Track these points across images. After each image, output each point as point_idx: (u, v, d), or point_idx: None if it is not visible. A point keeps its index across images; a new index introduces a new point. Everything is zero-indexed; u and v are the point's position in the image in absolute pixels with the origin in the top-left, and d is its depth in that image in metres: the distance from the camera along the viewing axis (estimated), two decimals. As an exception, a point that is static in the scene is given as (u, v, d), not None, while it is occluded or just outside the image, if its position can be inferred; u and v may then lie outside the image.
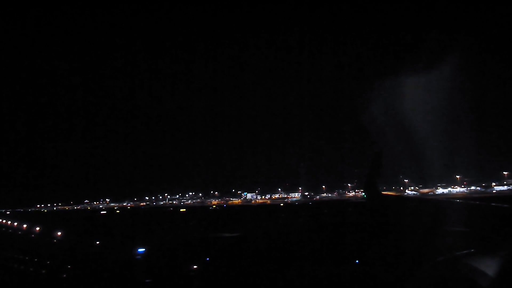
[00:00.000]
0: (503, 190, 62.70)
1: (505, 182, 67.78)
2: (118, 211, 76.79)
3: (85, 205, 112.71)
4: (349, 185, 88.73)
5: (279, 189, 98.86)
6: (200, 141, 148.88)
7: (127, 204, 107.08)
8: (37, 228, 29.45)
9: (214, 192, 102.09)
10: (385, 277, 7.27)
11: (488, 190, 63.92)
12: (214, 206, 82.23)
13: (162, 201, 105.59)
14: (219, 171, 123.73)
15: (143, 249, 15.77)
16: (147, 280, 11.54)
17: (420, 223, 4.22)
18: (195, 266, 12.30)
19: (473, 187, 68.24)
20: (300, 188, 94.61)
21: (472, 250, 3.04)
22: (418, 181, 76.42)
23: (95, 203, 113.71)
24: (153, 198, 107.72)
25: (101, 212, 72.15)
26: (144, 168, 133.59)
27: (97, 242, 19.29)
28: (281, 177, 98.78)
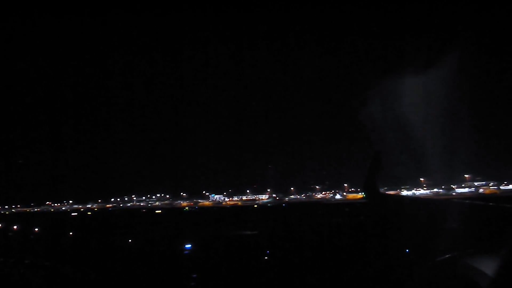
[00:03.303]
0: (464, 192, 66.72)
1: (463, 185, 72.46)
2: (90, 213, 75.10)
3: (47, 207, 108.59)
4: (317, 187, 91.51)
5: (248, 191, 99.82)
6: (166, 141, 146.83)
7: (92, 205, 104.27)
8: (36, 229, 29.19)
9: (182, 194, 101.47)
10: (384, 277, 7.65)
11: (450, 192, 68.26)
12: (187, 208, 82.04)
13: (128, 202, 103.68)
14: (186, 172, 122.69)
15: (189, 245, 16.64)
16: (194, 275, 12.17)
17: (420, 223, 4.13)
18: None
19: (435, 189, 72.13)
20: (268, 190, 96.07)
21: (472, 250, 3.01)
22: (383, 183, 79.88)
23: (57, 204, 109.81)
24: (119, 199, 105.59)
25: (72, 214, 70.33)
26: (107, 169, 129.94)
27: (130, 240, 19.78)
28: (248, 178, 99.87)
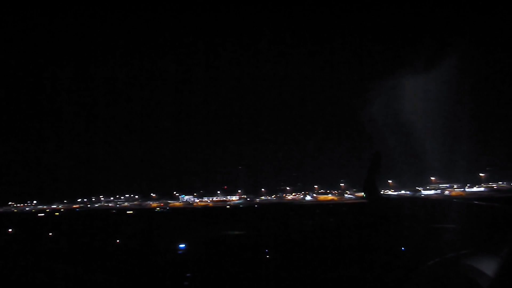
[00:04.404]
0: (430, 194, 69.12)
1: (428, 187, 75.12)
2: (57, 214, 73.05)
3: (10, 207, 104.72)
4: (287, 188, 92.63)
5: (218, 192, 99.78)
6: (134, 141, 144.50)
7: (57, 206, 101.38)
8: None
9: (152, 194, 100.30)
10: (384, 277, 7.81)
11: (416, 194, 70.60)
12: (158, 209, 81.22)
13: (96, 203, 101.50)
14: (155, 173, 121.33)
15: (184, 245, 16.78)
16: (188, 275, 12.12)
17: (420, 222, 4.09)
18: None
19: (402, 191, 74.44)
20: (239, 191, 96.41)
21: (472, 250, 3.00)
22: (354, 186, 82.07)
23: (20, 205, 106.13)
24: (86, 200, 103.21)
25: (39, 215, 68.30)
26: (73, 169, 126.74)
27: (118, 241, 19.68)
28: (218, 180, 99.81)
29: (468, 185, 62.99)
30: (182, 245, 16.65)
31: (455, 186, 66.09)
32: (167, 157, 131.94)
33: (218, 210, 64.84)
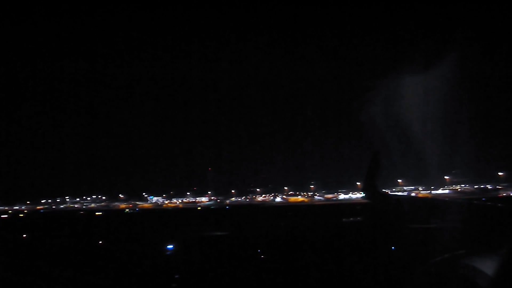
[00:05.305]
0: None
1: (394, 189, 77.34)
2: (21, 215, 70.51)
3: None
4: (257, 189, 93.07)
5: (188, 193, 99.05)
6: (102, 141, 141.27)
7: (20, 207, 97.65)
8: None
9: (119, 195, 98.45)
10: (383, 277, 7.71)
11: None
12: (127, 210, 79.77)
13: (62, 204, 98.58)
14: (123, 173, 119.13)
15: (171, 246, 16.77)
16: (176, 276, 12.08)
17: (420, 221, 4.26)
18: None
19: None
20: (208, 192, 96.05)
21: (472, 250, 3.01)
22: (322, 187, 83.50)
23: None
24: (50, 201, 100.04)
25: (2, 216, 65.60)
26: (36, 169, 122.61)
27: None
28: (188, 180, 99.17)
29: (432, 187, 64.99)
30: (170, 246, 16.63)
31: (420, 189, 68.20)
32: (135, 157, 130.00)
33: (192, 211, 64.27)
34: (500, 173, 60.47)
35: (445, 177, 63.24)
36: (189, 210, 66.47)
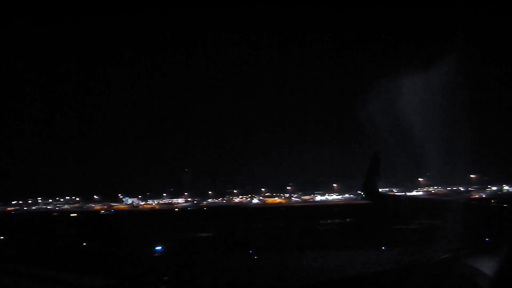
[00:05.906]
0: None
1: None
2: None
3: None
4: (234, 191, 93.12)
5: (164, 195, 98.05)
6: (75, 139, 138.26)
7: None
8: None
9: (94, 196, 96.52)
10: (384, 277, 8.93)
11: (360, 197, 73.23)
12: (103, 212, 78.35)
13: (33, 205, 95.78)
14: (97, 174, 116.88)
15: (160, 247, 16.77)
16: (165, 278, 12.19)
17: (419, 221, 4.47)
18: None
19: (347, 195, 77.24)
20: (185, 193, 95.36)
21: (472, 250, 3.06)
22: (299, 189, 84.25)
23: None
24: (21, 202, 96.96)
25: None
26: (7, 168, 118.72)
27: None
28: (164, 182, 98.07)
29: (407, 189, 66.41)
30: (158, 248, 16.63)
31: (394, 191, 69.75)
32: (110, 157, 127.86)
33: (170, 212, 63.68)
34: (471, 176, 62.42)
35: (419, 179, 65.03)
36: (167, 212, 65.74)
